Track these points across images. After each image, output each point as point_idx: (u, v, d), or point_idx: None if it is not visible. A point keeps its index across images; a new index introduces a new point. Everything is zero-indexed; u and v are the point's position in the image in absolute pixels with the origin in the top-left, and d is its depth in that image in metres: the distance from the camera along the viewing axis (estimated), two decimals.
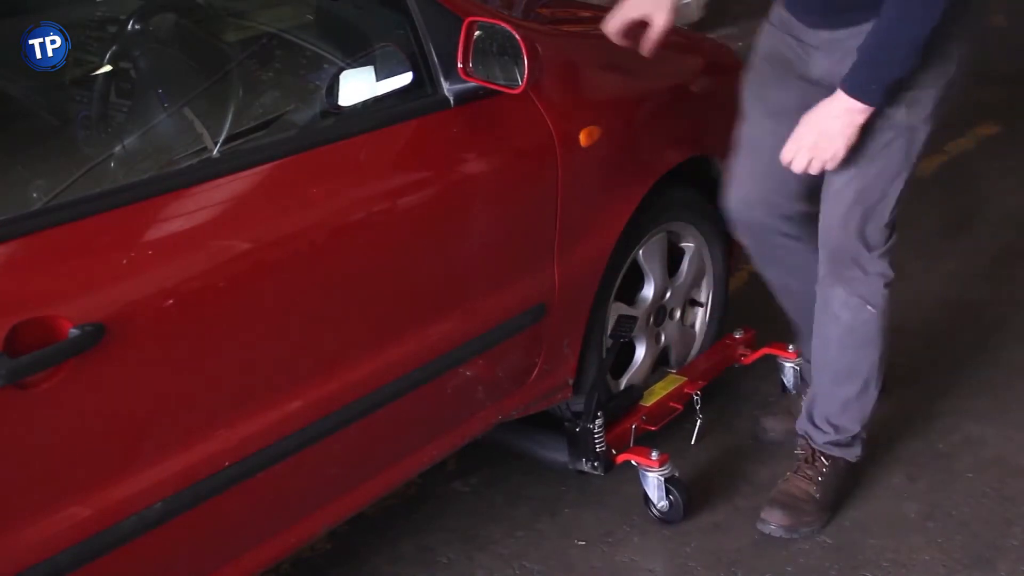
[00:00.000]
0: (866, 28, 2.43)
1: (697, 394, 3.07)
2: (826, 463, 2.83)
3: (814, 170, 2.51)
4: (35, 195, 2.02)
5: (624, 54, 2.72)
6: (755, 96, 2.77)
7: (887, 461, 3.05)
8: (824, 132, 2.47)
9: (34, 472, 1.86)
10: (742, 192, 2.78)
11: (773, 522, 2.78)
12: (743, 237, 2.87)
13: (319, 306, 2.21)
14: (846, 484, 2.89)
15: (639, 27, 2.64)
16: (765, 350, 3.21)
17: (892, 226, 2.65)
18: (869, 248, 2.64)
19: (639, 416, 2.95)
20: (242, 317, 2.10)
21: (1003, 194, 4.72)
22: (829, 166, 2.50)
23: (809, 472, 2.83)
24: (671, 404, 3.04)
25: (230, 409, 2.11)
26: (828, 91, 2.50)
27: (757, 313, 3.33)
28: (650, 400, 3.00)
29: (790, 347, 3.17)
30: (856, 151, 2.52)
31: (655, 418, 2.99)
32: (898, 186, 2.59)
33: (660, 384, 3.07)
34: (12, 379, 1.78)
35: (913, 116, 2.52)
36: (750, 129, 2.77)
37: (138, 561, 2.04)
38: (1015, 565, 2.70)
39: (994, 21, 6.84)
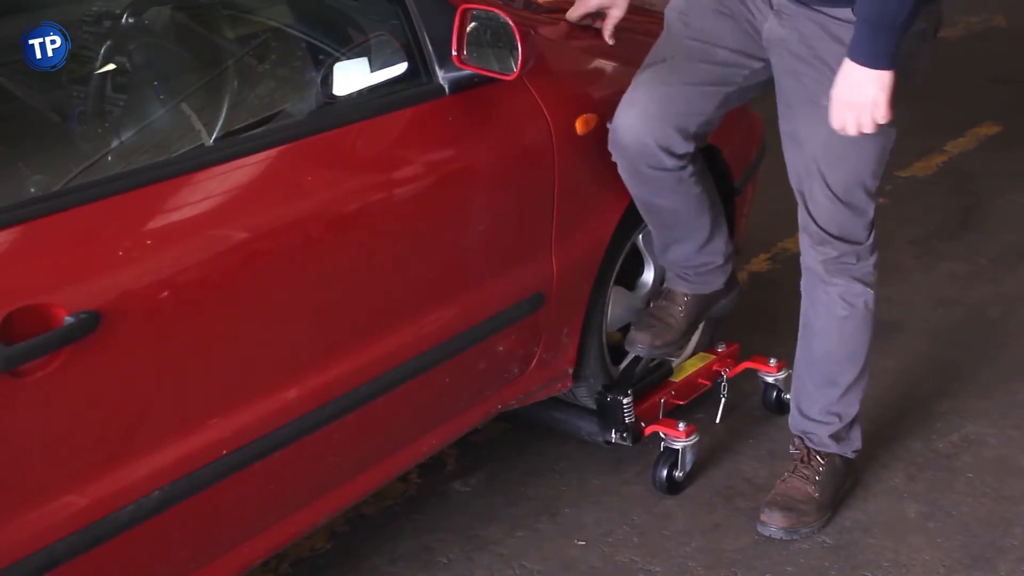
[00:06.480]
0: (836, 12, 2.43)
1: (725, 371, 3.13)
2: (822, 462, 2.83)
3: (867, 130, 2.42)
4: (32, 190, 2.02)
5: (621, 42, 2.75)
6: (682, 17, 2.67)
7: (887, 461, 3.05)
8: (860, 104, 2.39)
9: (29, 461, 1.86)
10: (644, 109, 2.61)
11: (773, 524, 2.78)
12: (617, 154, 2.66)
13: (315, 295, 2.21)
14: (845, 483, 2.88)
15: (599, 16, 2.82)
16: (747, 364, 3.22)
17: (875, 199, 2.65)
18: (862, 233, 2.65)
19: (668, 391, 3.03)
20: (238, 305, 2.09)
21: (1003, 194, 4.72)
22: (880, 118, 2.40)
23: (806, 472, 2.82)
24: (700, 380, 3.14)
25: (227, 397, 2.11)
26: (777, 52, 2.54)
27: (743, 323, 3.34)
28: (680, 376, 3.09)
29: (771, 361, 3.19)
30: (833, 149, 2.53)
31: (684, 393, 3.08)
32: (879, 169, 2.59)
33: (690, 360, 3.16)
34: (7, 367, 1.78)
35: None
36: (671, 47, 2.66)
37: (135, 551, 2.04)
38: (1015, 565, 2.70)
39: (994, 21, 6.86)
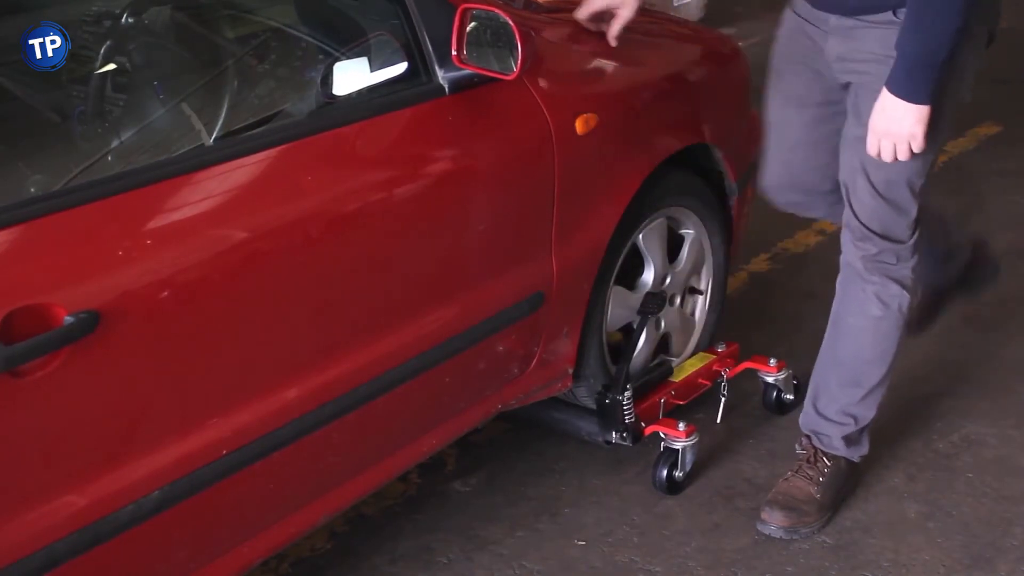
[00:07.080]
0: (877, 18, 2.49)
1: (725, 371, 3.14)
2: (828, 464, 2.83)
3: (903, 158, 2.51)
4: (32, 190, 2.02)
5: (622, 42, 2.75)
6: (775, 82, 2.84)
7: (887, 461, 3.04)
8: (898, 135, 2.47)
9: (29, 461, 1.86)
10: (774, 176, 2.89)
11: (773, 523, 2.78)
12: (788, 209, 2.99)
13: (315, 294, 2.21)
14: (847, 484, 2.88)
15: (608, 15, 2.82)
16: (747, 364, 3.22)
17: (918, 199, 2.65)
18: (904, 232, 2.65)
19: (668, 391, 3.03)
20: (238, 305, 2.09)
21: (1003, 194, 4.72)
22: (916, 149, 2.48)
23: (810, 472, 2.82)
24: (700, 380, 3.14)
25: (227, 397, 2.11)
26: (841, 80, 2.63)
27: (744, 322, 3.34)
28: (680, 375, 3.10)
29: (772, 361, 3.19)
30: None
31: (684, 393, 3.08)
32: (924, 168, 2.61)
33: (690, 360, 3.16)
34: (7, 367, 1.78)
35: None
36: (772, 115, 2.85)
37: (134, 551, 2.04)
38: (1015, 565, 2.70)
39: None
